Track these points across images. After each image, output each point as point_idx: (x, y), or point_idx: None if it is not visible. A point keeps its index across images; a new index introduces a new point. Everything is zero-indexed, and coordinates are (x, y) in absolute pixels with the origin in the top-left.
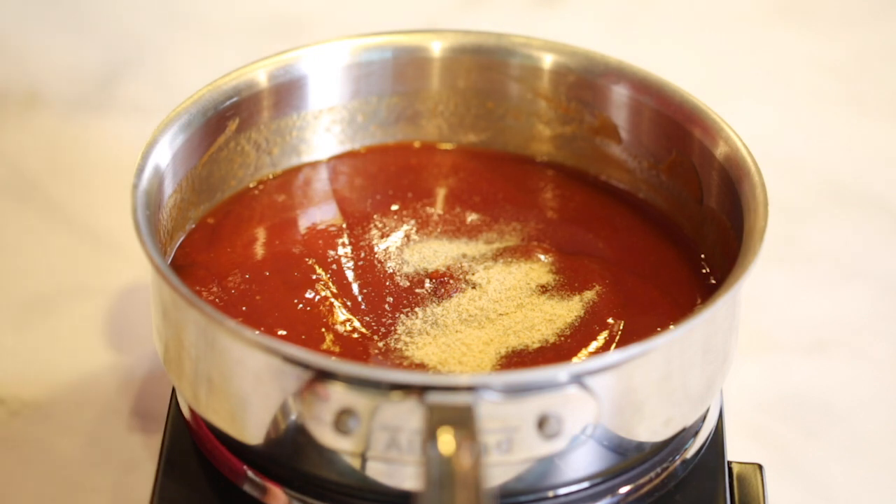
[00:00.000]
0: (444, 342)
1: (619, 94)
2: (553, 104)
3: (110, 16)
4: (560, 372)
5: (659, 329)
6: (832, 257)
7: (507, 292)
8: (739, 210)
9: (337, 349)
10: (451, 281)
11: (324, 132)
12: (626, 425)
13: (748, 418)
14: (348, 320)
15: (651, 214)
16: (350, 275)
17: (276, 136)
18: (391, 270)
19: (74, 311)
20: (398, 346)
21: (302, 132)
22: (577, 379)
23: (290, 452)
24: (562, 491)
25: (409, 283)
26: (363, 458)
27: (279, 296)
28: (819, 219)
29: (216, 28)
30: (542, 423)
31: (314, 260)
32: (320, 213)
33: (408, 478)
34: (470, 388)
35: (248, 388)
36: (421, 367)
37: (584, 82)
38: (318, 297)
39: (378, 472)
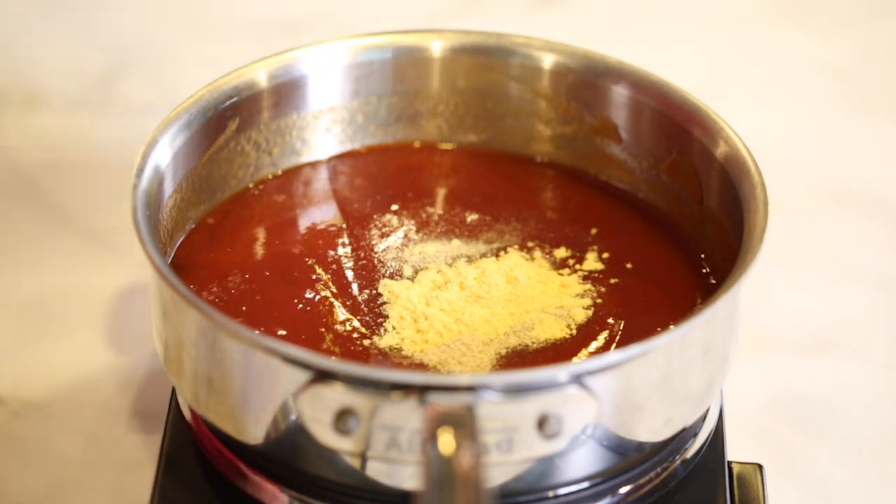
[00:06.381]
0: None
1: (619, 94)
2: (553, 104)
3: (110, 16)
4: (560, 372)
5: (659, 329)
6: (832, 257)
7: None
8: (739, 210)
9: (337, 349)
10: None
11: (324, 132)
12: (626, 425)
13: (748, 418)
14: (348, 320)
15: (651, 214)
16: (350, 275)
17: (276, 136)
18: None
19: (74, 311)
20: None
21: (302, 132)
22: (577, 379)
23: (290, 452)
24: (562, 491)
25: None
26: (363, 458)
27: (279, 296)
28: (819, 219)
29: (216, 28)
30: (542, 423)
31: (314, 260)
32: (320, 213)
33: (408, 478)
34: (470, 388)
35: (248, 388)
36: (421, 367)
37: (584, 82)
38: (318, 297)
39: (378, 472)
